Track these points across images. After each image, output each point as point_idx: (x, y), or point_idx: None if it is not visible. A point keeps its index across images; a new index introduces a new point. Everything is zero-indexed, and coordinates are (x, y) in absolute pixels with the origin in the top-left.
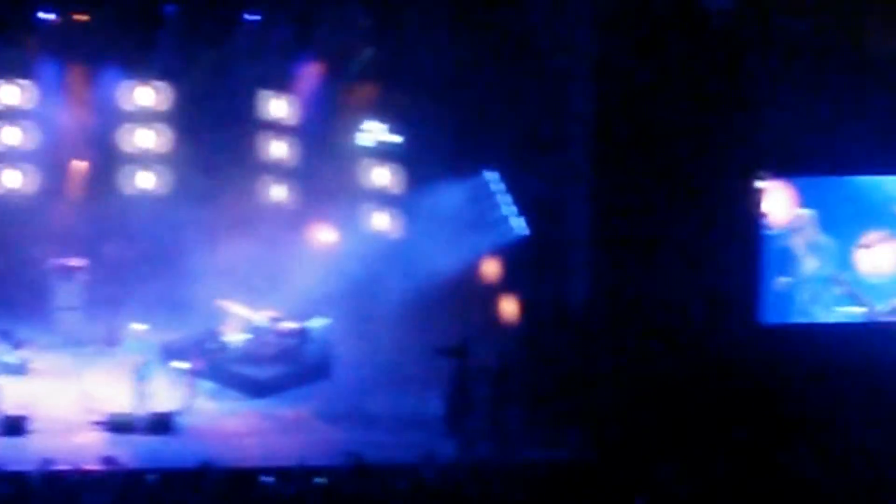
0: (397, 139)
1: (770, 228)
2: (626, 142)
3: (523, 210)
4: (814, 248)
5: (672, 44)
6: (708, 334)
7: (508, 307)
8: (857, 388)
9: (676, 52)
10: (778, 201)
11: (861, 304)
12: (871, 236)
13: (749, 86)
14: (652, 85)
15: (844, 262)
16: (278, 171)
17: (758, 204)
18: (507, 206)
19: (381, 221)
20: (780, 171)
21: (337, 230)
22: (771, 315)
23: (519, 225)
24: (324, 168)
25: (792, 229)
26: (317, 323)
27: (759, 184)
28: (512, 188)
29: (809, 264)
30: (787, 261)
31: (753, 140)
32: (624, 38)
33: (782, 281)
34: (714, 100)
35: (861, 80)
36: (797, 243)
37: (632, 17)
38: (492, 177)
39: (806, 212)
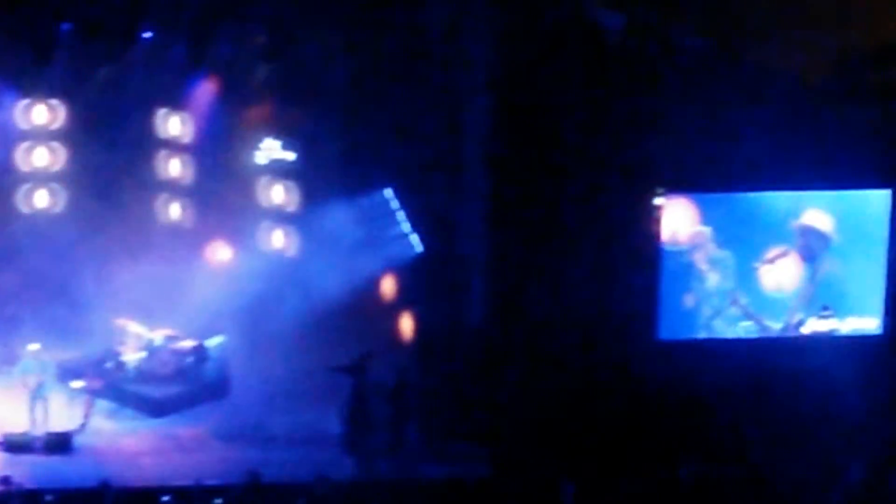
0: (291, 156)
1: (673, 245)
2: (522, 158)
3: (419, 227)
4: (714, 263)
5: (568, 61)
6: (606, 351)
7: (405, 324)
8: (752, 403)
9: (572, 69)
10: (680, 218)
11: (755, 321)
12: (772, 252)
13: (645, 103)
14: (548, 102)
15: (747, 278)
16: (174, 188)
17: (656, 220)
18: (404, 223)
19: (278, 239)
20: (678, 187)
21: (233, 248)
22: (671, 331)
23: (415, 242)
24: (220, 186)
25: (693, 246)
26: (214, 341)
27: (656, 200)
28: (408, 205)
29: (711, 280)
30: (689, 277)
31: (650, 157)
32: (520, 54)
33: (687, 297)
34: (610, 117)
35: (757, 96)
36: (699, 259)
37: (528, 35)
38: (388, 193)
39: (706, 229)
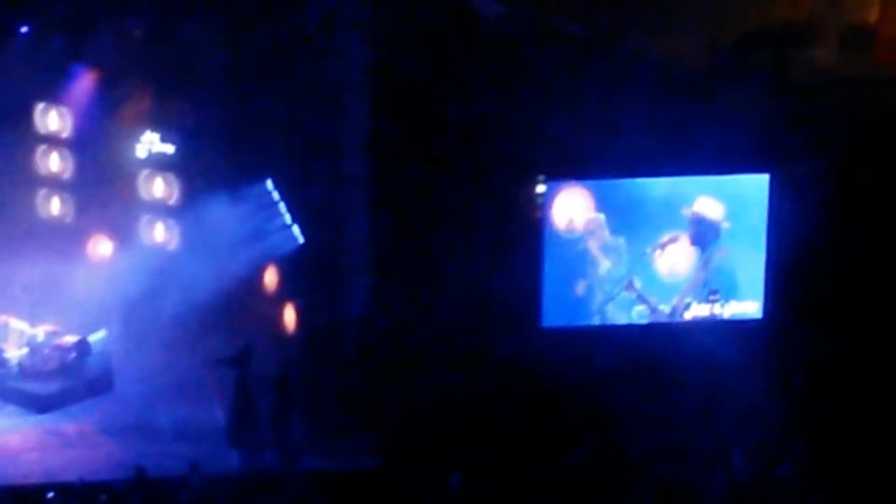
0: (171, 149)
1: (570, 232)
2: (402, 148)
3: (300, 218)
4: (607, 250)
5: (445, 49)
6: (491, 339)
7: (289, 316)
8: (637, 390)
9: (450, 57)
10: (576, 205)
11: (647, 306)
12: (664, 238)
13: (525, 90)
14: (427, 90)
15: (640, 264)
16: (54, 183)
17: (539, 207)
18: (284, 215)
19: (159, 233)
20: (560, 174)
21: (114, 242)
22: (559, 318)
23: (296, 233)
24: (100, 180)
25: (588, 232)
26: (96, 336)
27: (538, 188)
28: (288, 196)
29: (604, 266)
30: (582, 264)
31: (533, 144)
32: (397, 43)
33: (578, 284)
34: (491, 104)
35: (637, 83)
36: (593, 246)
37: (405, 23)
38: (269, 185)
39: (600, 216)
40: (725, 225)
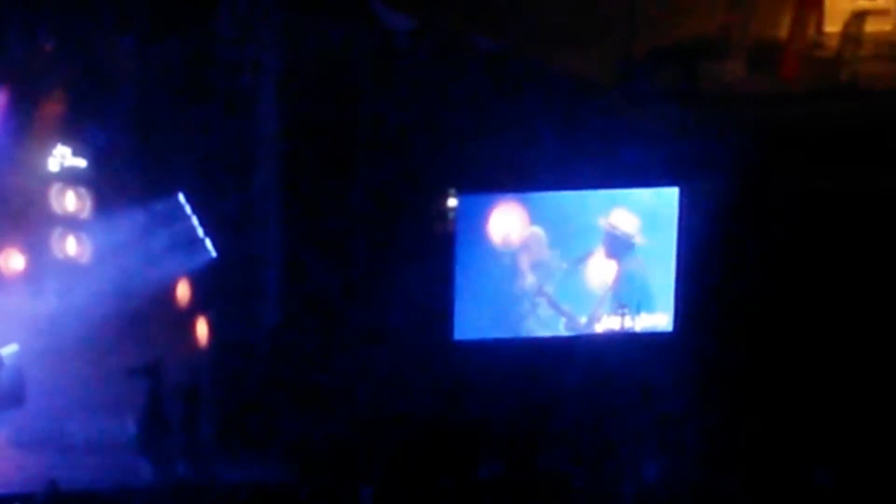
0: (83, 163)
1: (506, 246)
2: (313, 161)
3: (212, 231)
4: (537, 265)
5: (358, 62)
6: (404, 352)
7: (201, 328)
8: (552, 402)
9: (363, 70)
10: (512, 220)
11: (563, 315)
12: (582, 251)
13: (438, 103)
14: (339, 104)
15: (560, 277)
16: None
17: (450, 221)
18: (197, 228)
19: (71, 246)
20: (471, 188)
21: (26, 256)
22: (474, 331)
23: (208, 246)
24: (12, 194)
25: (524, 247)
26: (8, 350)
27: (450, 201)
28: (200, 209)
29: (529, 280)
30: (508, 277)
31: (444, 158)
32: (308, 57)
33: (500, 296)
34: (403, 118)
35: (551, 95)
36: (523, 260)
37: (316, 37)
38: (180, 198)
39: (537, 229)
40: (639, 238)
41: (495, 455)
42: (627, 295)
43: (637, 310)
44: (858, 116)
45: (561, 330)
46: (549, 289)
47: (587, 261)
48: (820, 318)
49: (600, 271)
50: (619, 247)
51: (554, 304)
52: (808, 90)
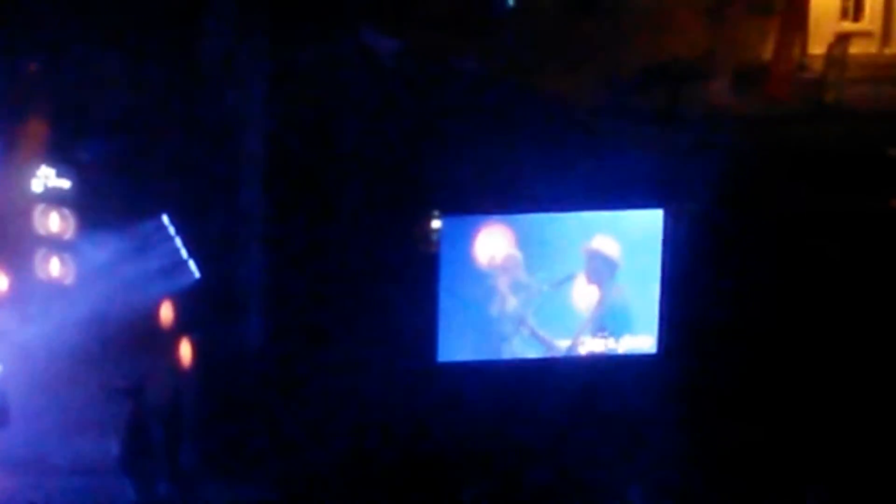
0: (67, 184)
1: (490, 267)
2: (299, 183)
3: (196, 253)
4: (517, 287)
5: (343, 84)
6: (387, 374)
7: (184, 350)
8: (533, 424)
9: (348, 92)
10: (495, 241)
11: (542, 343)
12: (563, 275)
13: (423, 125)
14: (325, 125)
15: (549, 300)
16: None
17: (434, 242)
18: (181, 250)
19: (55, 267)
20: (455, 210)
21: (9, 277)
22: (457, 353)
23: (192, 267)
24: None
25: (502, 269)
26: None
27: (434, 223)
28: (184, 231)
29: (511, 303)
30: (489, 300)
31: (429, 179)
32: (294, 79)
33: (482, 319)
34: (387, 140)
35: (536, 118)
36: (502, 283)
37: (301, 59)
38: (164, 220)
39: (517, 252)
40: (622, 263)
41: (479, 477)
42: (610, 319)
43: (618, 334)
44: (843, 138)
45: (542, 352)
46: (531, 317)
47: (569, 283)
48: (805, 338)
49: (582, 295)
50: (601, 271)
51: (535, 335)
52: (793, 112)
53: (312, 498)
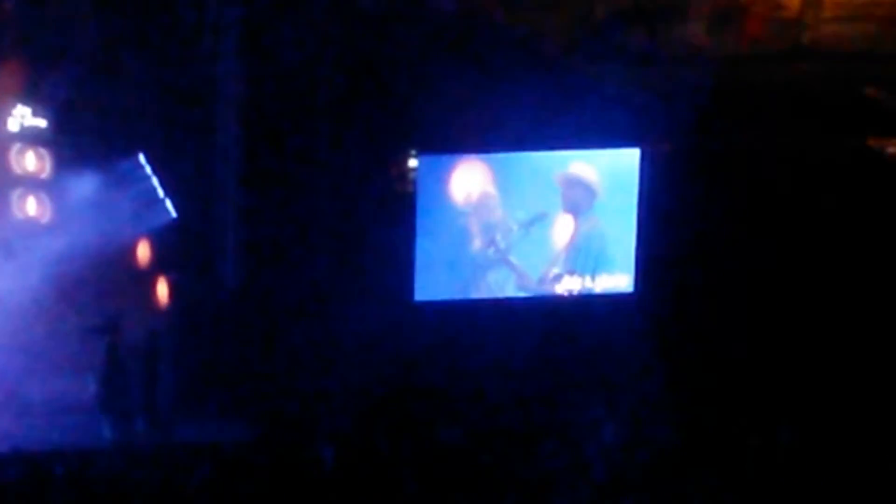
0: (43, 123)
1: (466, 206)
2: (275, 124)
3: (173, 192)
4: (492, 226)
5: (319, 24)
6: (364, 313)
7: (161, 289)
8: (510, 363)
9: (323, 33)
10: (472, 180)
11: (513, 270)
12: (547, 210)
13: (397, 65)
14: (300, 66)
15: (524, 236)
16: None
17: (411, 182)
18: (157, 189)
19: (31, 206)
20: (435, 149)
21: None
22: (434, 292)
23: (169, 207)
24: None
25: (481, 207)
26: None
27: (411, 162)
28: (161, 170)
29: (482, 240)
30: (464, 238)
31: (405, 118)
32: (270, 18)
33: (457, 257)
34: (363, 79)
35: (512, 57)
36: (479, 221)
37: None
38: (141, 159)
39: (496, 189)
40: (600, 193)
41: (455, 416)
42: (584, 255)
43: (595, 271)
44: (820, 78)
45: (512, 290)
46: (501, 243)
47: (541, 223)
48: (780, 277)
49: (558, 231)
50: (579, 199)
51: (501, 252)
52: (770, 52)
53: (289, 437)
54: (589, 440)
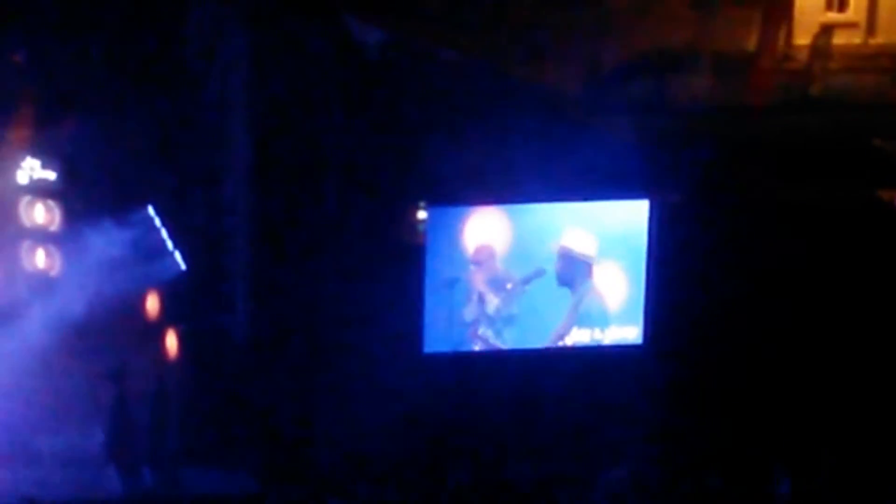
0: (52, 175)
1: (467, 258)
2: (284, 173)
3: (182, 244)
4: (493, 281)
5: (328, 74)
6: (373, 365)
7: (170, 341)
8: (519, 414)
9: (333, 82)
10: (483, 232)
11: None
12: (529, 272)
13: (408, 116)
14: (309, 116)
15: (519, 294)
16: None
17: (420, 233)
18: (166, 241)
19: (40, 259)
20: (445, 201)
21: None
22: (443, 344)
23: (178, 259)
24: None
25: (478, 262)
26: None
27: (420, 214)
28: (170, 222)
29: (483, 294)
30: (470, 291)
31: (414, 170)
32: (280, 69)
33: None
34: (373, 131)
35: (521, 108)
36: (478, 278)
37: (286, 49)
38: (150, 211)
39: (492, 245)
40: (596, 260)
41: (465, 466)
42: (586, 315)
43: (602, 325)
44: (828, 129)
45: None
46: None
47: (543, 277)
48: (788, 329)
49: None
50: (573, 272)
51: (501, 317)
52: (778, 103)
53: (297, 490)
54: (597, 491)
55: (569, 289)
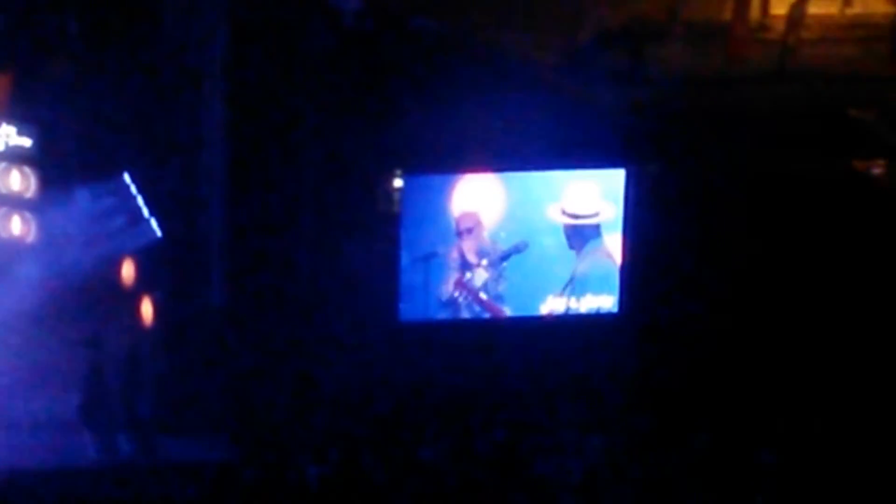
0: (28, 142)
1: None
2: (260, 141)
3: (158, 211)
4: (481, 252)
5: (304, 42)
6: (348, 333)
7: (146, 308)
8: (494, 382)
9: (309, 50)
10: (458, 202)
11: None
12: (524, 241)
13: (384, 84)
14: (285, 84)
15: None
16: None
17: (396, 201)
18: (143, 208)
19: (16, 226)
20: (422, 169)
21: None
22: (419, 312)
23: (154, 226)
24: None
25: (466, 230)
26: None
27: (395, 182)
28: (146, 189)
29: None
30: (446, 261)
31: (391, 139)
32: (254, 36)
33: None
34: (349, 99)
35: (497, 77)
36: (466, 245)
37: (262, 17)
38: (126, 178)
39: (478, 213)
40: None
41: (440, 437)
42: (582, 283)
43: (580, 293)
44: (804, 99)
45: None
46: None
47: (523, 251)
48: (765, 298)
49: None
50: (585, 233)
51: (477, 299)
52: (754, 73)
53: (274, 457)
54: (574, 460)
55: (576, 251)
